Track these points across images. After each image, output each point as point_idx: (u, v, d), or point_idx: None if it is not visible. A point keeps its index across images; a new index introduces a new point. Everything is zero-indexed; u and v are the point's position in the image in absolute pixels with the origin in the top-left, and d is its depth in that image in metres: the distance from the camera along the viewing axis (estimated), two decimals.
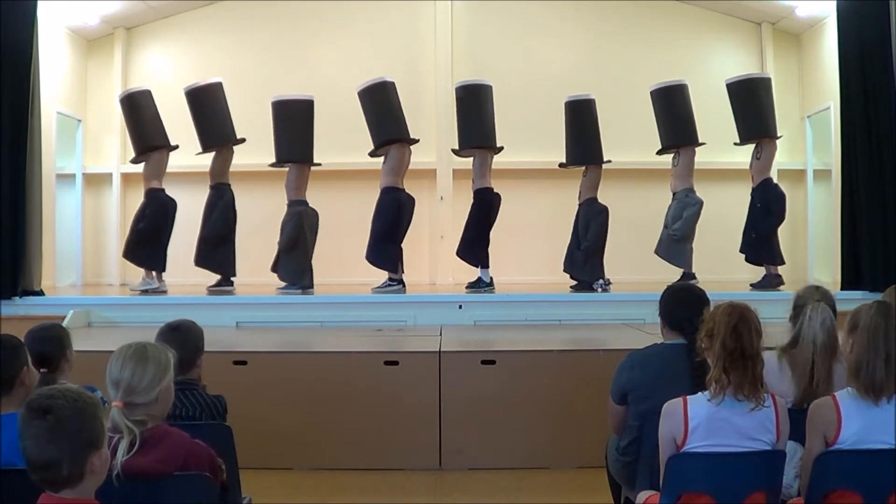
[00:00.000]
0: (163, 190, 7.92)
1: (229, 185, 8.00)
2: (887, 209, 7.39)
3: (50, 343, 3.35)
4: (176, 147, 8.06)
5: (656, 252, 7.91)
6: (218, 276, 7.94)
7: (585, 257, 7.84)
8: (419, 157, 9.80)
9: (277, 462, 5.15)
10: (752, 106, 8.00)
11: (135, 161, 8.16)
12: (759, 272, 8.16)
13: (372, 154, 7.90)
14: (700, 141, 8.03)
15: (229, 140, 8.02)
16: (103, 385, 2.69)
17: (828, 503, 2.73)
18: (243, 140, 8.07)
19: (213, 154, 8.02)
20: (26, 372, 2.98)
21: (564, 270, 8.02)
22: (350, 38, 10.34)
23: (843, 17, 7.95)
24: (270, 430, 5.14)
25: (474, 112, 7.88)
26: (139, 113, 7.95)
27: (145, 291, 7.69)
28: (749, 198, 8.09)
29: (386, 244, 7.70)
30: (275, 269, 7.74)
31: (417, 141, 7.96)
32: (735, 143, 8.17)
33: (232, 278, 7.98)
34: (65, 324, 6.22)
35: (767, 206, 7.90)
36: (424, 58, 10.30)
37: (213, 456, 2.79)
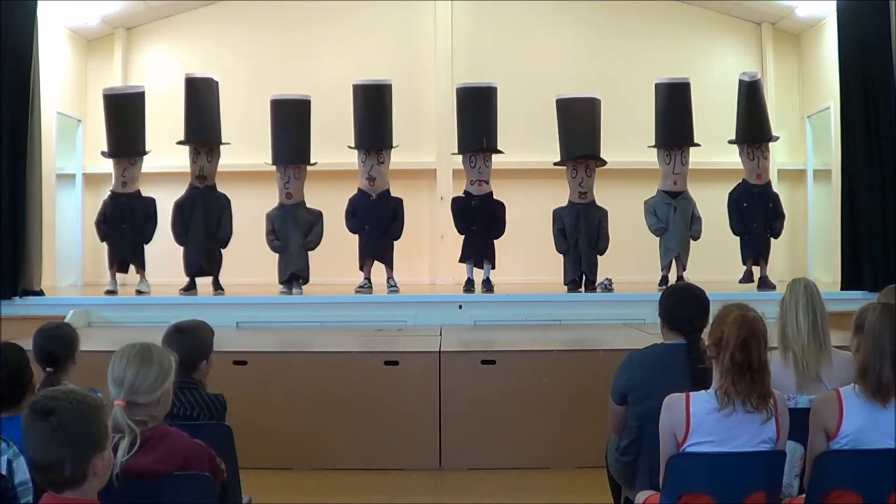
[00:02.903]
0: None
1: None
2: (887, 209, 7.39)
3: (59, 343, 3.35)
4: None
5: (679, 251, 7.84)
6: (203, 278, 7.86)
7: (596, 258, 7.83)
8: (419, 157, 9.86)
9: (277, 462, 5.15)
10: (763, 107, 7.97)
11: (124, 159, 7.81)
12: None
13: (370, 150, 7.83)
14: (696, 141, 8.05)
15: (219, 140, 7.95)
16: (104, 385, 2.69)
17: (828, 503, 2.74)
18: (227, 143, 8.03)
19: (207, 151, 7.83)
20: (34, 382, 3.00)
21: (583, 272, 7.77)
22: (350, 38, 10.35)
23: (843, 17, 7.95)
24: (270, 430, 5.14)
25: (472, 114, 7.87)
26: (138, 113, 7.88)
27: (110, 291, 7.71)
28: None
29: None
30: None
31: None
32: (770, 142, 8.06)
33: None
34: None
35: (775, 207, 7.90)
36: (424, 58, 10.30)
37: (213, 456, 2.79)
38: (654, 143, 8.08)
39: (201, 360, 3.42)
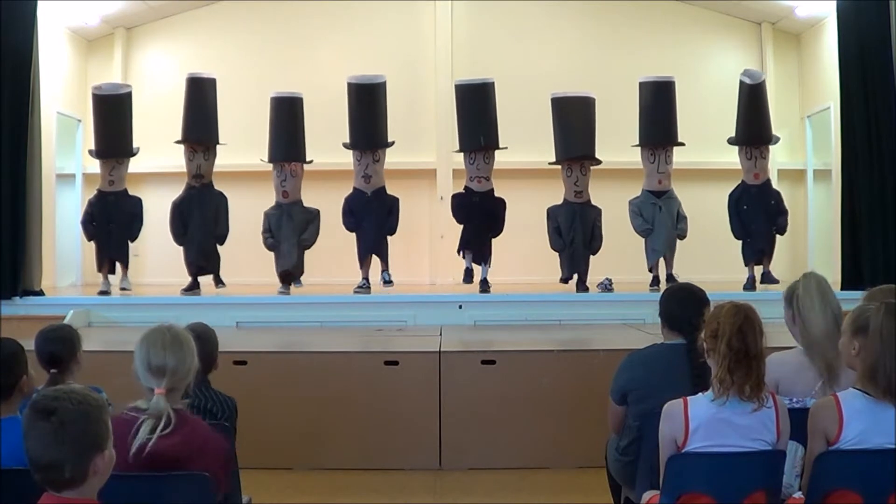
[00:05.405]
0: None
1: None
2: (887, 209, 7.40)
3: (61, 344, 3.36)
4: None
5: (664, 251, 7.86)
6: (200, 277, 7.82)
7: (589, 257, 7.83)
8: (419, 157, 9.86)
9: (277, 462, 5.16)
10: (765, 110, 7.95)
11: (112, 159, 7.73)
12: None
13: (371, 148, 7.81)
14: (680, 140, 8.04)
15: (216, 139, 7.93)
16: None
17: (828, 503, 2.74)
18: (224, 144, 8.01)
19: (203, 151, 7.77)
20: (25, 380, 3.00)
21: (576, 272, 7.77)
22: (350, 38, 10.35)
23: (843, 17, 7.96)
24: (270, 430, 5.14)
25: (470, 112, 7.88)
26: (126, 113, 7.83)
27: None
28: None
29: None
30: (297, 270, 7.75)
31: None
32: (771, 144, 8.03)
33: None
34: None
35: (778, 204, 7.88)
36: (424, 57, 10.31)
37: (229, 448, 2.82)
38: (638, 143, 8.06)
39: (214, 361, 3.57)
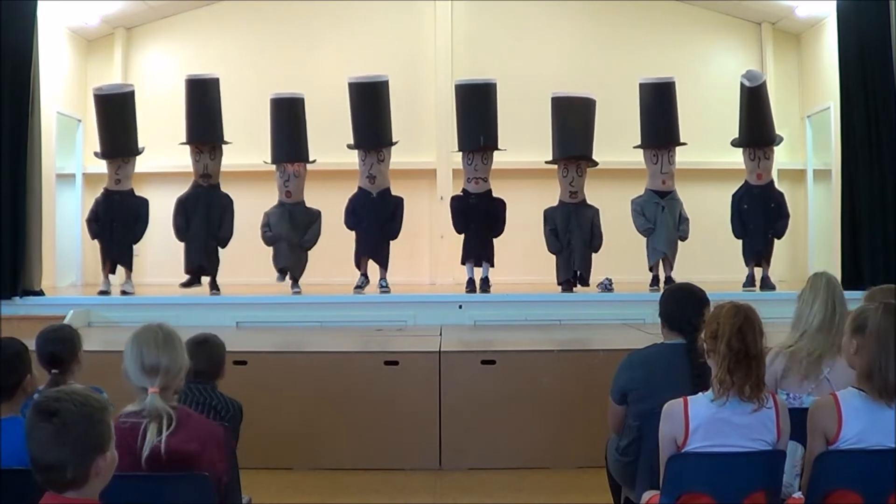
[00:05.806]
0: None
1: None
2: (887, 209, 7.40)
3: (62, 344, 3.37)
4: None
5: (666, 251, 7.85)
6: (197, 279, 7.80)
7: (590, 256, 7.83)
8: (419, 157, 9.86)
9: (277, 462, 5.16)
10: (766, 111, 7.94)
11: (118, 158, 7.72)
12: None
13: (375, 148, 7.81)
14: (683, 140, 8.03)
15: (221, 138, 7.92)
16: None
17: (828, 503, 2.74)
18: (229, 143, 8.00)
19: (210, 151, 7.79)
20: (29, 379, 3.00)
21: (578, 272, 7.76)
22: (350, 38, 10.35)
23: (843, 17, 7.96)
24: (270, 430, 5.13)
25: (470, 112, 7.88)
26: (129, 113, 7.82)
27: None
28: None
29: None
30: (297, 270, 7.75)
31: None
32: (775, 145, 8.02)
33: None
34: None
35: (779, 207, 7.88)
36: (424, 58, 10.31)
37: (222, 431, 2.83)
38: (640, 144, 8.05)
39: (222, 369, 3.63)
